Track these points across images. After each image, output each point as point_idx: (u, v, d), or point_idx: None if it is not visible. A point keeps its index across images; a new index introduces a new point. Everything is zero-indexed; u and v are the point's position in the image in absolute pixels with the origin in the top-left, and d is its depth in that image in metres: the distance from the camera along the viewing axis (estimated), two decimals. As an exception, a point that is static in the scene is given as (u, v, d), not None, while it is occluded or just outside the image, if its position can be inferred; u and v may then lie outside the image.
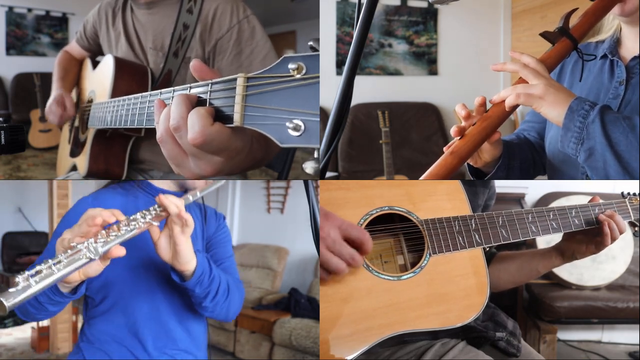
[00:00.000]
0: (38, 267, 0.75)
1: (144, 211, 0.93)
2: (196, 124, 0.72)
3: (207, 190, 1.08)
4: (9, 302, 0.69)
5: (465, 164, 1.09)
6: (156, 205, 0.95)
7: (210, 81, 0.76)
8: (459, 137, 1.02)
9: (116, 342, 1.12)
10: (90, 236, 0.84)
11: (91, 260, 0.81)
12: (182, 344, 1.18)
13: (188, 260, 1.01)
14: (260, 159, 1.22)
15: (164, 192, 1.18)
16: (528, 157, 1.24)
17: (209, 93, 0.76)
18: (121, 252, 0.86)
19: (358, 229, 0.88)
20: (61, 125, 1.81)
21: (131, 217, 0.91)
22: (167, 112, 0.79)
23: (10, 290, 0.70)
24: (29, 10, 5.36)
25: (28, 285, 0.72)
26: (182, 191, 1.21)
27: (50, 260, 0.76)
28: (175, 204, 0.95)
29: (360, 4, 0.75)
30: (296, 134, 0.64)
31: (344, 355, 0.88)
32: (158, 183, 1.20)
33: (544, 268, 1.22)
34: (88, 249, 0.81)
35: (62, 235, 0.86)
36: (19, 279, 0.72)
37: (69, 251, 0.80)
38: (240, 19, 1.44)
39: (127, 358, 1.11)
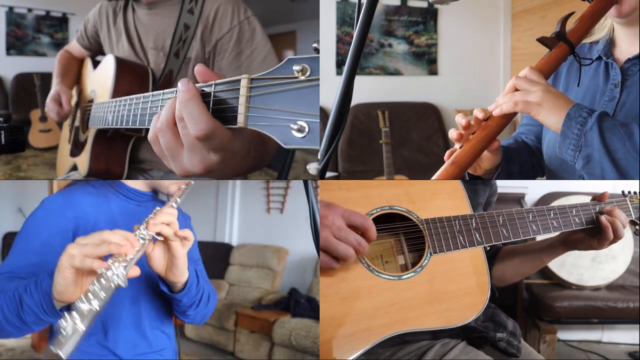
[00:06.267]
0: (78, 305, 0.73)
1: (144, 225, 0.91)
2: (200, 117, 0.73)
3: (184, 195, 1.06)
4: (66, 353, 0.68)
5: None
6: (151, 216, 0.93)
7: (213, 82, 0.77)
8: (459, 146, 1.02)
9: (90, 349, 1.07)
10: (102, 256, 0.81)
11: (119, 287, 0.78)
12: (157, 344, 1.16)
13: (183, 273, 1.00)
14: (252, 167, 1.21)
15: (136, 192, 1.16)
16: (527, 161, 1.24)
17: (212, 94, 0.77)
18: (137, 272, 0.83)
19: (361, 216, 0.89)
20: (61, 121, 1.80)
21: (137, 234, 0.88)
22: (172, 102, 0.79)
23: (61, 338, 0.69)
24: (29, 10, 5.36)
25: (75, 328, 0.70)
26: (152, 191, 1.19)
27: (88, 296, 0.74)
28: (171, 219, 0.92)
29: (360, 4, 0.75)
30: (300, 135, 0.64)
31: (345, 355, 0.88)
32: (130, 183, 1.17)
33: (549, 257, 1.23)
34: (117, 276, 0.78)
35: (69, 252, 0.80)
36: (64, 323, 0.70)
37: (102, 281, 0.76)
38: (241, 20, 1.45)
39: None
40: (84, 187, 1.14)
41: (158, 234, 0.91)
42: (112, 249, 0.80)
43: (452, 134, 1.03)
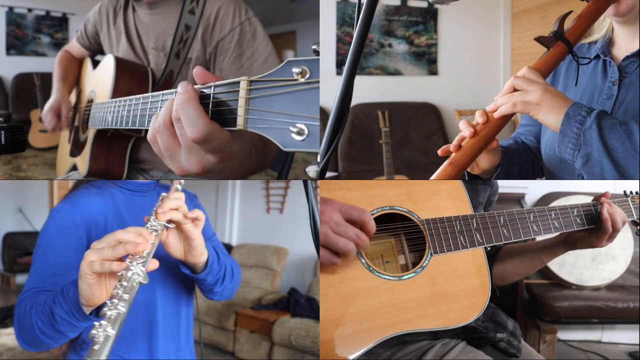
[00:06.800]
0: (104, 310, 0.73)
1: (153, 215, 0.91)
2: (197, 120, 0.73)
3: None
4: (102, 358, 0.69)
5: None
6: (158, 204, 0.93)
7: (213, 84, 0.77)
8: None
9: (125, 342, 1.08)
10: (120, 256, 0.81)
11: (141, 284, 0.78)
12: (183, 333, 1.18)
13: (202, 253, 1.00)
14: (252, 170, 1.21)
15: (138, 183, 1.17)
16: (527, 162, 1.24)
17: (211, 95, 0.76)
18: (156, 265, 0.84)
19: (358, 209, 0.88)
20: (52, 132, 1.82)
21: (148, 227, 0.88)
22: (169, 103, 0.79)
23: (95, 347, 0.69)
24: (29, 10, 5.36)
25: (107, 334, 0.71)
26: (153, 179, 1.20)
27: (114, 301, 0.75)
28: (179, 203, 0.92)
29: (360, 4, 0.75)
30: (300, 138, 0.64)
31: (345, 355, 0.88)
32: None
33: (548, 257, 1.23)
34: (137, 274, 0.78)
35: (88, 258, 0.80)
36: (96, 332, 0.71)
37: (124, 283, 0.77)
38: (242, 21, 1.45)
39: (139, 358, 1.10)
40: (87, 189, 1.15)
41: (169, 221, 0.92)
42: (129, 249, 0.80)
43: (452, 145, 1.03)
